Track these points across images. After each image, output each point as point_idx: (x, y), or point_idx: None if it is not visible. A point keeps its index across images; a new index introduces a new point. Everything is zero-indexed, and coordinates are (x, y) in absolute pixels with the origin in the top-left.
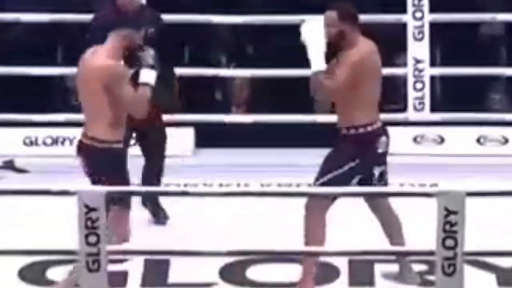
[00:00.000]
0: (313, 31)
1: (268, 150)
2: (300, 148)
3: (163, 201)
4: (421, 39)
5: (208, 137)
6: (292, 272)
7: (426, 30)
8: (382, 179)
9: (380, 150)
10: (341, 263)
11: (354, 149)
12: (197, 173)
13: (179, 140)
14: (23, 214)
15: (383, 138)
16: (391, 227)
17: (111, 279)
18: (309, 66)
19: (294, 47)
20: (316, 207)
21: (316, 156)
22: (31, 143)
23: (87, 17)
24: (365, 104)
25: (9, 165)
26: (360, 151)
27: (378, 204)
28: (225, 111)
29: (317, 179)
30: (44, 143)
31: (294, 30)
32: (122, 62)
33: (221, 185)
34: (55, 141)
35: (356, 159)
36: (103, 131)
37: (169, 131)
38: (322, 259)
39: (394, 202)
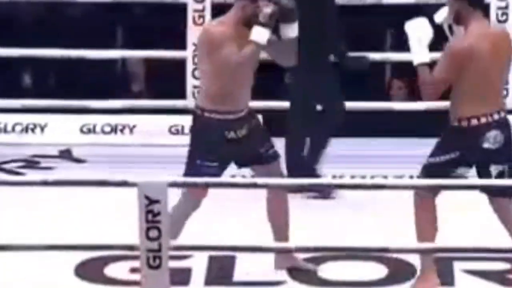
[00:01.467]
0: (416, 25)
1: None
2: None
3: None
4: (505, 21)
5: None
6: (366, 270)
7: (511, 11)
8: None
9: (485, 145)
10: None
11: (457, 141)
12: None
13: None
14: (80, 207)
15: (493, 132)
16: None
17: (174, 276)
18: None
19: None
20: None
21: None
22: (89, 131)
23: None
24: (472, 95)
25: (66, 155)
26: (462, 145)
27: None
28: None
29: (431, 156)
30: (103, 131)
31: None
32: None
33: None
34: (114, 129)
35: (456, 152)
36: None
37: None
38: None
39: None
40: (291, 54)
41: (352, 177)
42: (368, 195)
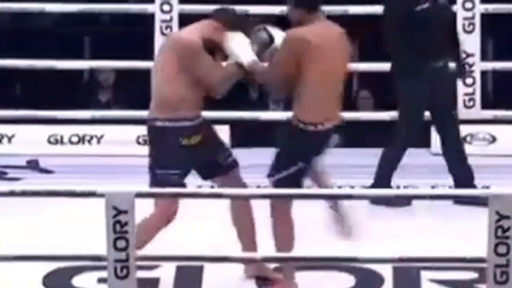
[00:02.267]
0: (236, 38)
1: None
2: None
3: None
4: (472, 31)
5: (244, 136)
6: (335, 280)
7: (477, 21)
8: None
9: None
10: (386, 271)
11: (309, 146)
12: None
13: None
14: (48, 217)
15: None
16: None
17: (141, 286)
18: None
19: None
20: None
21: (357, 156)
22: (56, 142)
23: (118, 7)
24: (317, 99)
25: (33, 165)
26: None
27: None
28: (262, 109)
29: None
30: (70, 142)
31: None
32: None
33: (258, 186)
34: (81, 140)
35: (305, 159)
36: None
37: None
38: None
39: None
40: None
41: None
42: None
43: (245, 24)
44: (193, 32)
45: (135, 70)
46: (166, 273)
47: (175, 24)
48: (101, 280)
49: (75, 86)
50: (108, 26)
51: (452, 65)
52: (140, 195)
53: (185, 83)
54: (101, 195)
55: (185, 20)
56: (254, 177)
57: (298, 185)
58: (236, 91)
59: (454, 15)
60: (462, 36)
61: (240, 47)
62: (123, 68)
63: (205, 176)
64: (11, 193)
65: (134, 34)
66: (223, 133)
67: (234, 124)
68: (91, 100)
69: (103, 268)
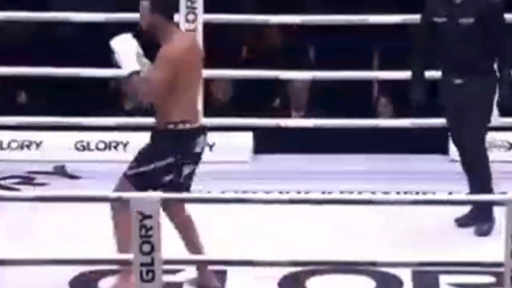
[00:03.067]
0: (122, 40)
1: (329, 156)
2: (360, 153)
3: (219, 208)
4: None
5: (267, 142)
6: (354, 283)
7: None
8: (190, 179)
9: (197, 150)
10: (405, 275)
11: (173, 146)
12: (255, 179)
13: (236, 145)
14: (75, 222)
15: (202, 138)
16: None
17: None
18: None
19: (355, 48)
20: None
21: (378, 162)
22: (83, 148)
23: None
24: (183, 101)
25: (60, 171)
26: (178, 148)
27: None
28: (284, 115)
29: (131, 168)
30: (97, 148)
31: (354, 30)
32: None
33: (280, 192)
34: (108, 146)
35: (173, 156)
36: None
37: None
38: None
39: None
40: None
41: (341, 192)
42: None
43: None
44: None
45: None
46: (190, 277)
47: (199, 33)
48: None
49: (101, 94)
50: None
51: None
52: (165, 200)
53: None
54: (126, 201)
55: (210, 29)
56: (276, 183)
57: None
58: (260, 98)
59: (479, 28)
60: None
61: (126, 54)
62: None
63: None
64: (39, 198)
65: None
66: (246, 139)
67: (257, 131)
68: (116, 107)
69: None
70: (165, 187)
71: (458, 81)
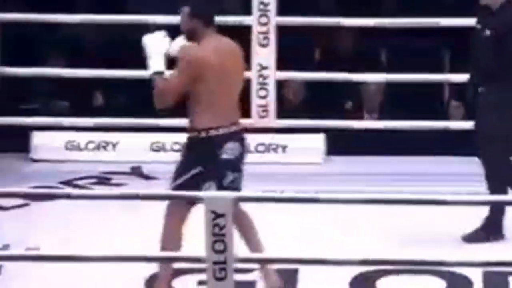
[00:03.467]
0: (155, 39)
1: (401, 158)
2: (433, 156)
3: (291, 207)
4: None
5: (339, 144)
6: (424, 283)
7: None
8: (235, 184)
9: (226, 156)
10: (476, 275)
11: (198, 154)
12: (327, 181)
13: (309, 147)
14: (151, 220)
15: (230, 144)
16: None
17: None
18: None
19: (430, 50)
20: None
21: (449, 164)
22: (159, 149)
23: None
24: (208, 107)
25: (137, 171)
26: (204, 156)
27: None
28: (357, 117)
29: (173, 179)
30: (172, 149)
31: (429, 32)
32: None
33: (352, 193)
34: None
35: (201, 164)
36: None
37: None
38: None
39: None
40: None
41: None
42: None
43: None
44: None
45: None
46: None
47: (272, 36)
48: (200, 283)
49: None
50: None
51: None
52: (238, 199)
53: None
54: (200, 199)
55: (283, 31)
56: (348, 184)
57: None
58: (332, 100)
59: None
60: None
61: (154, 52)
62: None
63: None
64: (115, 197)
65: None
66: (319, 141)
67: (329, 133)
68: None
69: (203, 270)
70: None
71: (480, 89)
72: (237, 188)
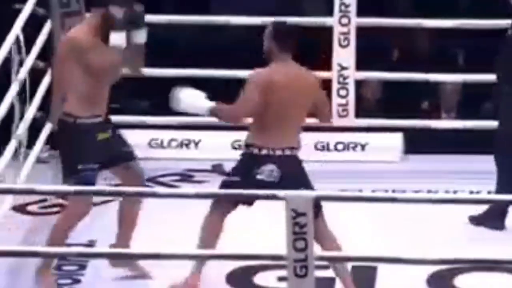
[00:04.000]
0: (185, 93)
1: (477, 156)
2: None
3: (366, 206)
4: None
5: (416, 143)
6: (501, 281)
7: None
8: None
9: (260, 177)
10: None
11: (241, 165)
12: (405, 179)
13: (387, 145)
14: (231, 218)
15: (270, 166)
16: None
17: (319, 285)
18: None
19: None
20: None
21: None
22: (240, 147)
23: (299, 20)
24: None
25: (218, 169)
26: (242, 169)
27: None
28: (434, 117)
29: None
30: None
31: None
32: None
33: (429, 191)
34: None
35: (239, 176)
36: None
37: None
38: None
39: None
40: (139, 60)
41: (489, 192)
42: None
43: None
44: (82, 31)
45: None
46: None
47: (352, 36)
48: (281, 279)
49: None
50: None
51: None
52: (318, 198)
53: (89, 82)
54: (282, 198)
55: (362, 32)
56: (424, 182)
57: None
58: (410, 100)
59: None
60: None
61: (193, 96)
62: None
63: (106, 166)
64: (198, 195)
65: (313, 45)
66: (396, 140)
67: (407, 132)
68: None
69: (283, 267)
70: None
71: (505, 88)
72: None
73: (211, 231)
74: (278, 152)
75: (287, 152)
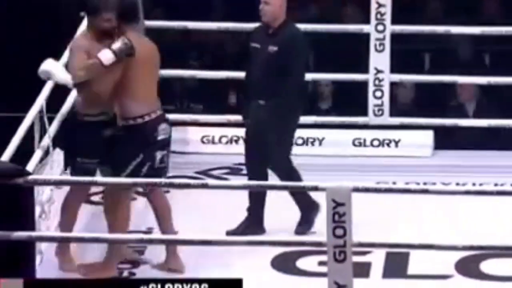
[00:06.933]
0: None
1: (502, 152)
2: None
3: (402, 198)
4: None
5: (446, 139)
6: None
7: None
8: (163, 162)
9: (160, 137)
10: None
11: (137, 141)
12: (435, 172)
13: (419, 142)
14: (276, 208)
15: (163, 125)
16: None
17: (356, 269)
18: None
19: None
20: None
21: None
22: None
23: (339, 27)
24: (139, 95)
25: None
26: (141, 141)
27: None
28: (463, 116)
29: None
30: (296, 143)
31: None
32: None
33: (457, 184)
34: (305, 142)
35: (140, 152)
36: None
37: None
38: None
39: None
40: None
41: None
42: None
43: None
44: (83, 35)
45: (351, 81)
46: (377, 258)
47: (387, 42)
48: (321, 263)
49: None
50: (327, 43)
51: None
52: (356, 189)
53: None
54: (322, 189)
55: (396, 38)
56: (453, 176)
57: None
58: (440, 100)
59: None
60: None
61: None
62: (340, 80)
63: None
64: (245, 187)
65: (351, 50)
66: (428, 136)
67: (437, 129)
68: (313, 107)
69: (323, 252)
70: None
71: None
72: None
73: None
74: (159, 112)
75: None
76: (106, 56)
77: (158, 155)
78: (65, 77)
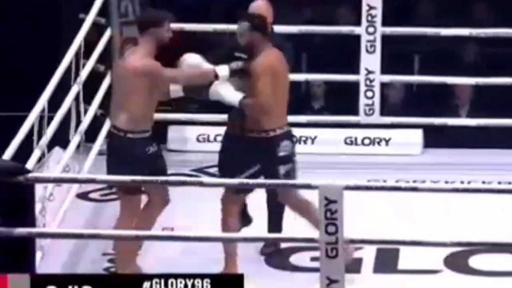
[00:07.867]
0: (220, 85)
1: (490, 150)
2: None
3: (393, 195)
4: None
5: (435, 138)
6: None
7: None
8: (288, 175)
9: (281, 154)
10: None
11: (258, 153)
12: (425, 170)
13: (408, 141)
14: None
15: (285, 142)
16: None
17: (347, 265)
18: None
19: None
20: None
21: None
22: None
23: (331, 29)
24: (272, 110)
25: None
26: (263, 155)
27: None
28: (454, 115)
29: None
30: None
31: None
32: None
33: (446, 181)
34: (298, 140)
35: (257, 163)
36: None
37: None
38: None
39: None
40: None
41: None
42: None
43: None
44: (145, 57)
45: (343, 82)
46: (368, 254)
47: (378, 44)
48: (314, 259)
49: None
50: (321, 44)
51: None
52: (347, 187)
53: (152, 101)
54: (315, 187)
55: (387, 40)
56: (442, 173)
57: None
58: (429, 100)
59: None
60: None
61: (226, 90)
62: (332, 80)
63: None
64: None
65: (343, 52)
66: (417, 135)
67: (426, 128)
68: (306, 106)
69: (316, 249)
70: None
71: None
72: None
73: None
74: (285, 128)
75: (288, 128)
76: (222, 72)
77: (282, 170)
78: (233, 99)
